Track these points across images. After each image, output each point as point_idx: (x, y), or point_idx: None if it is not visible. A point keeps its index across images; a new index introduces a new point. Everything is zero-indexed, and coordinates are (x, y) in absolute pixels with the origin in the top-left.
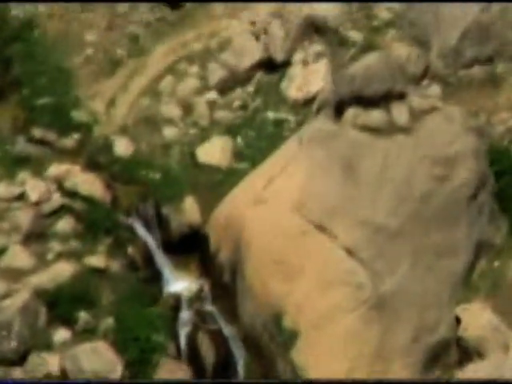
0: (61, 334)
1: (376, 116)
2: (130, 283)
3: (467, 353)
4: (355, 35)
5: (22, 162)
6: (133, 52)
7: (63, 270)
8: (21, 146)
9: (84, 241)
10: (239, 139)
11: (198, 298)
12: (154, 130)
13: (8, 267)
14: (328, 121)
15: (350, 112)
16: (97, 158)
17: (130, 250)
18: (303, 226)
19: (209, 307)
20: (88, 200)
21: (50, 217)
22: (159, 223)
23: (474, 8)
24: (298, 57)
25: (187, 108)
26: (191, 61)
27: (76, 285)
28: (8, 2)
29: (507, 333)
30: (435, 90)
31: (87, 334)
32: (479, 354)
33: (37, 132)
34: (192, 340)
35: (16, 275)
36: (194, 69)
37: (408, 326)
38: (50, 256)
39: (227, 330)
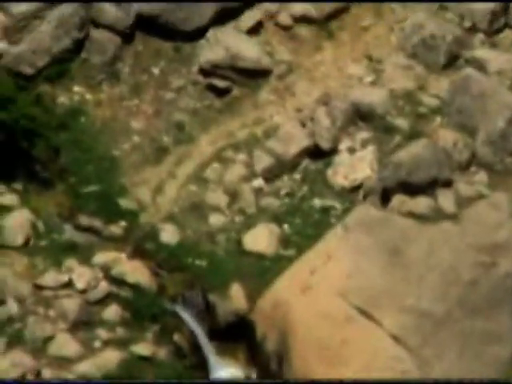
0: None
1: (422, 203)
2: (177, 370)
3: None
4: (401, 122)
5: (68, 249)
6: (179, 139)
7: (110, 358)
8: (67, 233)
9: (131, 328)
10: (286, 226)
11: None
12: (201, 217)
13: (55, 355)
14: (374, 208)
15: (397, 199)
16: (143, 246)
17: (177, 337)
18: (348, 311)
19: None
20: (134, 287)
21: (96, 304)
22: (206, 310)
23: None
24: (344, 144)
25: (234, 195)
26: (237, 148)
27: (123, 373)
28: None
29: None
30: (482, 177)
31: None
32: None
33: (83, 220)
34: None
35: (63, 363)
36: (241, 156)
37: None
38: (96, 344)
39: None
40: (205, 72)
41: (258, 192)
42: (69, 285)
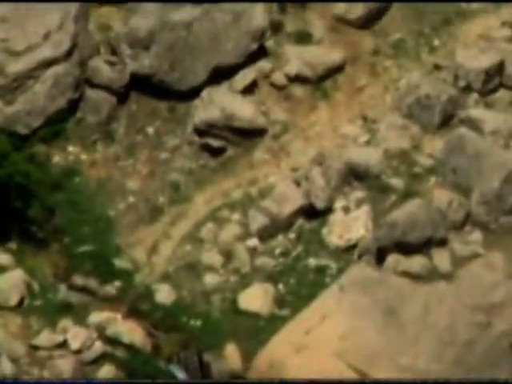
0: None
1: (417, 262)
2: None
3: None
4: (396, 182)
5: (63, 309)
6: (174, 199)
7: None
8: (62, 293)
9: None
10: (280, 286)
11: None
12: (196, 277)
13: None
14: (369, 267)
15: (392, 258)
16: (138, 306)
17: None
18: (344, 371)
19: None
20: (129, 347)
21: (91, 364)
22: (201, 370)
23: None
24: (339, 203)
25: (228, 255)
26: (232, 208)
27: None
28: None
29: None
30: (477, 236)
31: None
32: None
33: (78, 280)
34: None
35: None
36: (236, 216)
37: None
38: None
39: None
40: (199, 132)
41: (253, 251)
42: (63, 345)
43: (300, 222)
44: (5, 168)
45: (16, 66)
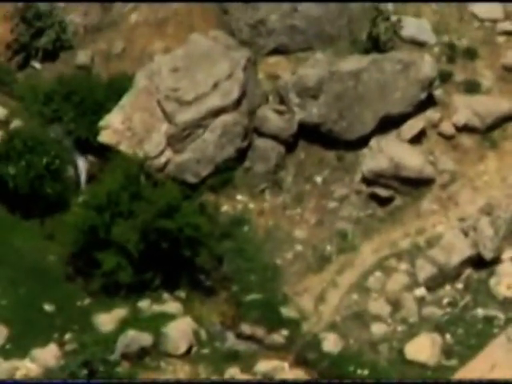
0: None
1: None
2: None
3: None
4: None
5: (230, 358)
6: (341, 248)
7: None
8: (230, 341)
9: None
10: (448, 336)
11: None
12: (363, 326)
13: None
14: None
15: None
16: (305, 355)
17: None
18: None
19: None
20: None
21: None
22: None
23: None
24: (507, 254)
25: (396, 304)
26: (400, 257)
27: None
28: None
29: None
30: None
31: None
32: None
33: (246, 328)
34: None
35: None
36: (403, 265)
37: None
38: None
39: None
40: (367, 181)
41: (421, 301)
42: None
43: (468, 271)
44: (176, 221)
45: (186, 115)
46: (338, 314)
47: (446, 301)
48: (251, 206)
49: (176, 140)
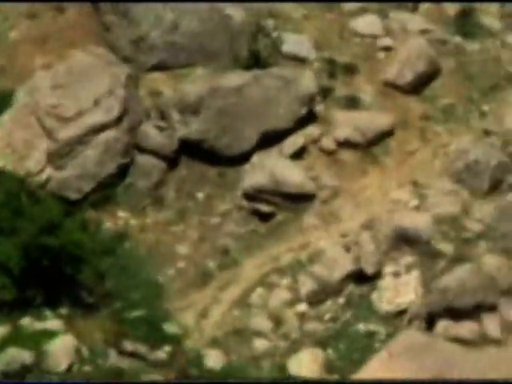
0: None
1: (467, 328)
2: None
3: None
4: (446, 247)
5: (113, 375)
6: (224, 264)
7: None
8: (112, 359)
9: None
10: (330, 351)
11: None
12: (245, 342)
13: None
14: (419, 333)
15: (442, 324)
16: (188, 371)
17: None
18: None
19: None
20: None
21: None
22: None
23: None
24: (388, 269)
25: (278, 320)
26: (282, 273)
27: None
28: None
29: None
30: None
31: None
32: None
33: (128, 345)
34: None
35: None
36: (285, 281)
37: None
38: None
39: None
40: (249, 197)
41: (302, 317)
42: None
43: (350, 287)
44: (58, 237)
45: (67, 132)
46: (221, 330)
47: (327, 316)
48: (133, 222)
49: (57, 157)
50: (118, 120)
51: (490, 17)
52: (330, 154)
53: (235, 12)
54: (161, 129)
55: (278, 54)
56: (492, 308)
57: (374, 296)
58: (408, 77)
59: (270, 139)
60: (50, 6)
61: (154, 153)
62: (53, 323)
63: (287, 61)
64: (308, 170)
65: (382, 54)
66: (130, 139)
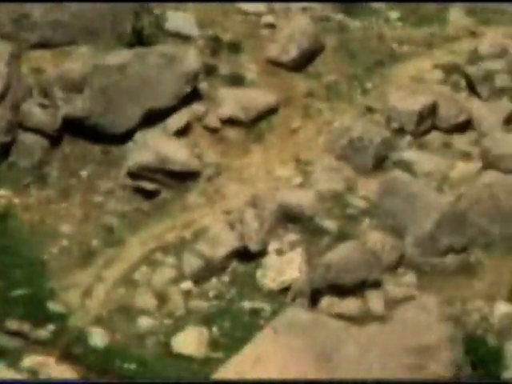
0: None
1: (351, 305)
2: None
3: None
4: (330, 224)
5: None
6: (108, 242)
7: None
8: None
9: None
10: (214, 329)
11: None
12: (130, 320)
13: None
14: (303, 309)
15: (325, 300)
16: (72, 349)
17: None
18: None
19: None
20: None
21: None
22: None
23: (449, 197)
24: (272, 246)
25: (162, 298)
26: (166, 251)
27: None
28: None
29: None
30: (410, 278)
31: None
32: None
33: (12, 324)
34: None
35: None
36: (169, 259)
37: None
38: None
39: None
40: (133, 175)
41: (187, 294)
42: None
43: (234, 264)
44: None
45: None
46: (105, 308)
47: (212, 294)
48: (16, 200)
49: None
50: (1, 98)
51: None
52: (214, 131)
53: None
54: (44, 106)
55: (162, 32)
56: (376, 284)
57: (259, 273)
58: (292, 54)
59: (153, 117)
60: None
61: (37, 131)
62: None
63: (171, 39)
64: (192, 148)
65: (265, 32)
66: (13, 117)
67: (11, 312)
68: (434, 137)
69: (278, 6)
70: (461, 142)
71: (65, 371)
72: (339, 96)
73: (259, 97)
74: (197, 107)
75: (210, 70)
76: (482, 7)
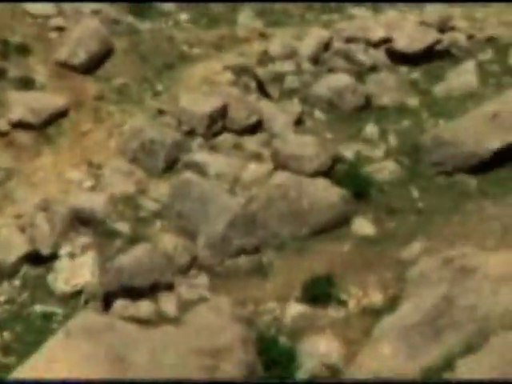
0: None
1: (144, 307)
2: None
3: None
4: (122, 226)
5: None
6: None
7: None
8: None
9: None
10: (6, 334)
11: None
12: None
13: None
14: (95, 313)
15: (118, 304)
16: None
17: None
18: None
19: None
20: None
21: None
22: None
23: (240, 198)
24: (64, 249)
25: None
26: None
27: None
28: None
29: None
30: (203, 279)
31: None
32: None
33: None
34: None
35: None
36: None
37: None
38: None
39: None
40: None
41: None
42: None
43: (25, 268)
44: None
45: None
46: None
47: (3, 298)
48: None
49: None
50: None
51: None
52: (4, 135)
53: None
54: None
55: None
56: (169, 287)
57: (51, 277)
58: (81, 57)
59: None
60: None
61: None
62: None
63: None
64: None
65: (54, 34)
66: None
67: None
68: (226, 138)
69: (68, 8)
70: (252, 143)
71: None
72: (130, 99)
73: (49, 100)
74: None
75: None
76: (271, 9)
